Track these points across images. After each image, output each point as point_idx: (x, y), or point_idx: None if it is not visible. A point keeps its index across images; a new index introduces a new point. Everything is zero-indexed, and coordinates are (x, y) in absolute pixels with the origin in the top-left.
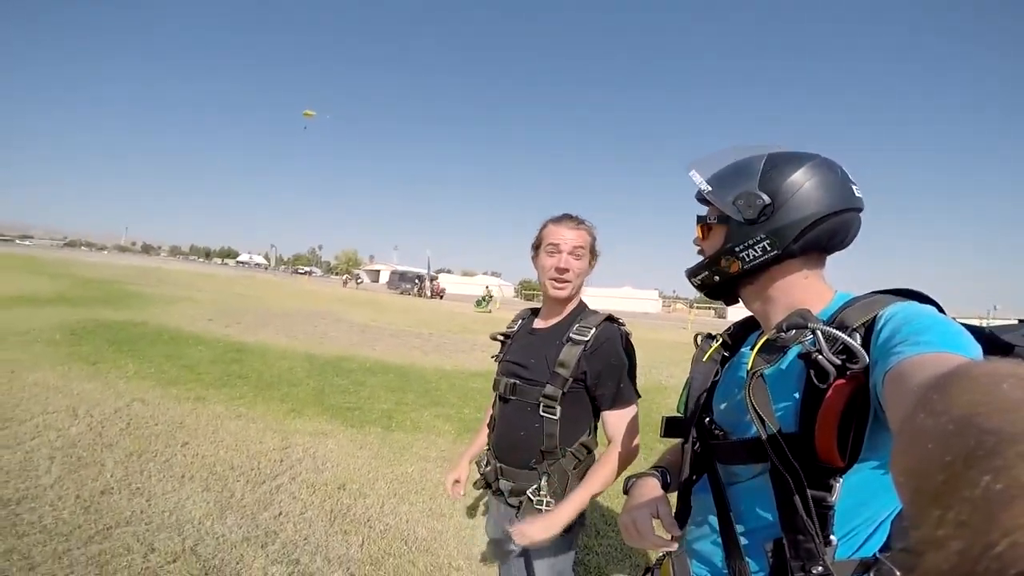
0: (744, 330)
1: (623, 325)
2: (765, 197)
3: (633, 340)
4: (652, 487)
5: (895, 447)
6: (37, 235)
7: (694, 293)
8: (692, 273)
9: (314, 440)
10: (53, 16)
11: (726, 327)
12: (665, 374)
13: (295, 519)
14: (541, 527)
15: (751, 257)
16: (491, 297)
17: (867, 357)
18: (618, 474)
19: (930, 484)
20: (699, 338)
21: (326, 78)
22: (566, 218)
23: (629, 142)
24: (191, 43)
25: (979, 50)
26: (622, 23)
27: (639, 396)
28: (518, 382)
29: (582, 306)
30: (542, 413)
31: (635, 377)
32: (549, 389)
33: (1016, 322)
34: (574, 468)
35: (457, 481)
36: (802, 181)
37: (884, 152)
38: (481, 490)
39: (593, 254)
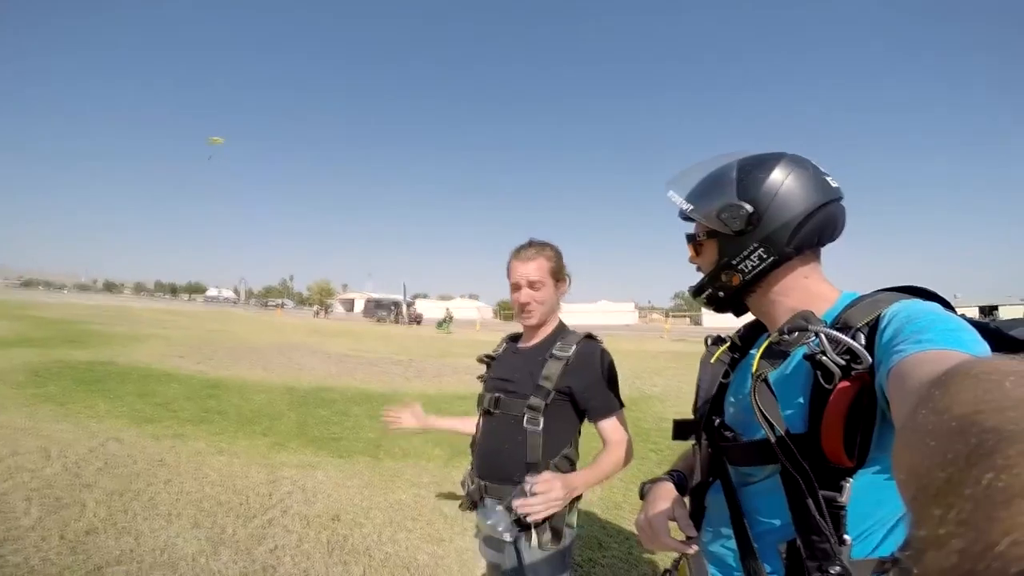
0: (754, 331)
1: (601, 342)
2: (747, 206)
3: (615, 352)
4: (668, 490)
5: (897, 444)
6: None
7: (669, 302)
8: (696, 291)
9: (302, 473)
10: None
11: (736, 329)
12: (648, 383)
13: (292, 552)
14: (558, 486)
15: (749, 268)
16: (451, 318)
17: (869, 357)
18: (623, 464)
19: (932, 482)
20: (708, 340)
21: (292, 101)
22: (522, 251)
23: (600, 157)
24: (147, 67)
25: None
26: (589, 33)
27: (622, 405)
28: (502, 395)
29: (561, 326)
30: (525, 425)
31: (618, 386)
32: (533, 400)
33: (978, 310)
34: None
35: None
36: (779, 182)
37: (842, 145)
38: (467, 511)
39: (558, 276)
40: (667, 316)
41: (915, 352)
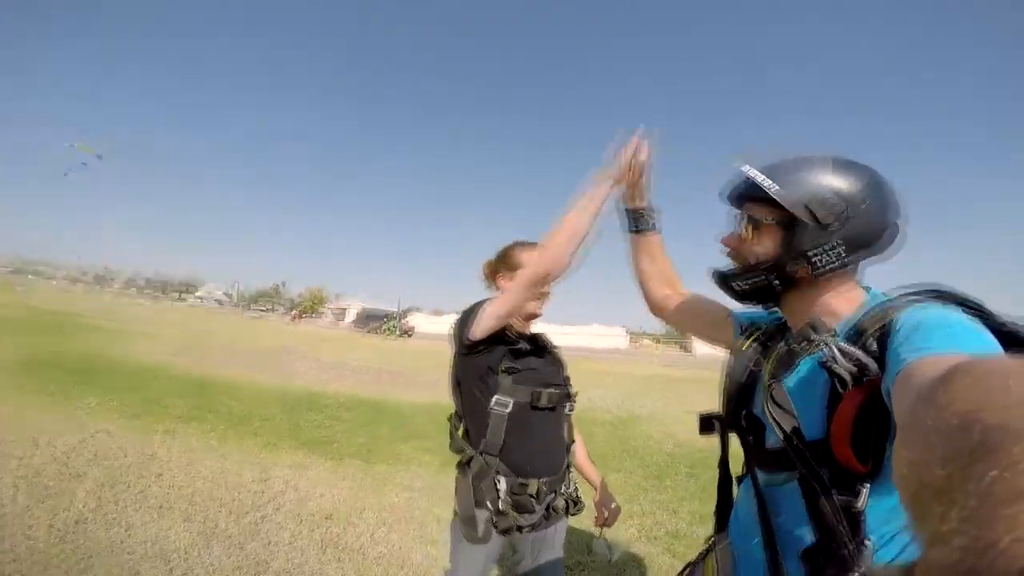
0: (786, 326)
1: None
2: (842, 202)
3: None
4: None
5: (898, 441)
6: None
7: (660, 328)
8: (736, 275)
9: (294, 473)
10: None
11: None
12: (638, 404)
13: (285, 548)
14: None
15: (823, 263)
16: (396, 325)
17: (875, 365)
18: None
19: (933, 479)
20: (740, 327)
21: (298, 107)
22: (529, 245)
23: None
24: (144, 56)
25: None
26: (590, 37)
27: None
28: (553, 391)
29: None
30: (567, 412)
31: None
32: (569, 391)
33: None
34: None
35: None
36: (872, 189)
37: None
38: (506, 533)
39: None
40: (657, 342)
41: (917, 359)
